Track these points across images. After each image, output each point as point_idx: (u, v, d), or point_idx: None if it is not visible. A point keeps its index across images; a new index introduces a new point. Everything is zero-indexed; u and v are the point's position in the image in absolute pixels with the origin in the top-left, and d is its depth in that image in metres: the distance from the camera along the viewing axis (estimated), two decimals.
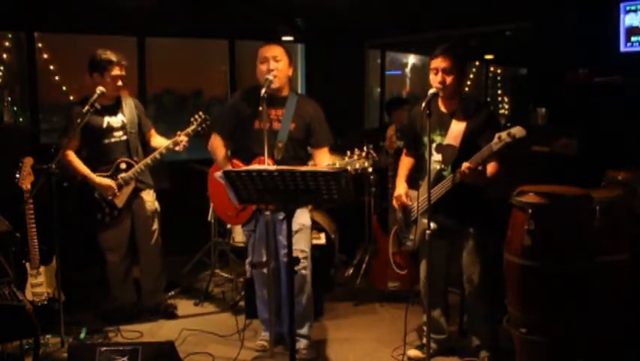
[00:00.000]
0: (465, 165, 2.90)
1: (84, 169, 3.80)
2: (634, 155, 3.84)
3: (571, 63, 4.73)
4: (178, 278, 4.75)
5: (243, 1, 5.51)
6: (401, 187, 3.37)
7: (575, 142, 4.49)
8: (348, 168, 2.75)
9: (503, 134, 2.77)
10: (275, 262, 3.44)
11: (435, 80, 3.08)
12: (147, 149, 4.06)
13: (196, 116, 3.82)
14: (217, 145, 3.49)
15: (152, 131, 4.10)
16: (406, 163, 3.48)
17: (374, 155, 2.82)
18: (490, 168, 3.02)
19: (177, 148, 3.80)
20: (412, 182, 3.41)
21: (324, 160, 3.33)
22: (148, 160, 3.86)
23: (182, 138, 3.79)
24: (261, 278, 3.54)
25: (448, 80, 3.06)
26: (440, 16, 5.64)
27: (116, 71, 3.78)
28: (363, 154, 2.79)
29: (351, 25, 5.93)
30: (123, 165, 3.88)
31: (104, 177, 3.82)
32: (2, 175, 3.77)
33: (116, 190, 3.82)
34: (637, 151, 3.91)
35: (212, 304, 4.39)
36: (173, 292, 4.49)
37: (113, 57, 3.78)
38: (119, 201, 3.86)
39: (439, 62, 3.07)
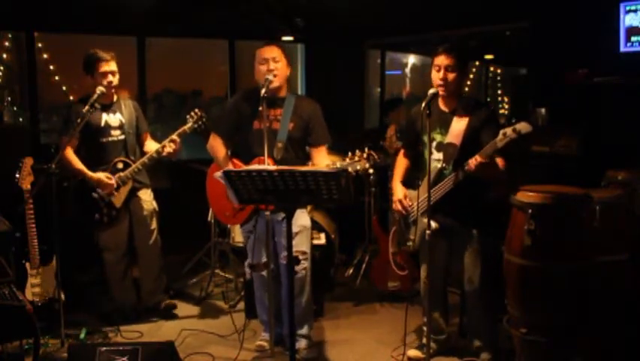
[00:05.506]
0: (476, 158, 2.88)
1: (81, 167, 3.80)
2: (634, 155, 3.84)
3: (571, 63, 4.73)
4: (174, 281, 4.73)
5: (243, 1, 5.51)
6: (399, 190, 3.35)
7: (575, 142, 4.49)
8: (349, 169, 2.74)
9: (508, 130, 2.76)
10: (274, 264, 3.44)
11: (437, 77, 3.09)
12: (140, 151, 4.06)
13: (192, 113, 3.82)
14: (217, 146, 3.48)
15: (147, 135, 4.09)
16: (402, 164, 3.47)
17: (375, 156, 2.81)
18: (500, 161, 3.02)
19: (164, 152, 3.79)
20: (411, 182, 3.41)
21: (322, 159, 3.33)
22: (145, 159, 3.85)
23: (167, 146, 3.77)
24: (260, 280, 3.54)
25: (450, 77, 3.06)
26: (440, 16, 5.65)
27: (104, 67, 3.75)
28: (364, 155, 2.79)
29: (351, 25, 5.94)
30: (120, 165, 3.87)
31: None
32: (2, 175, 3.76)
33: (114, 185, 3.81)
34: (637, 151, 3.91)
35: (212, 305, 4.39)
36: (172, 292, 4.49)
37: (99, 54, 3.76)
38: (117, 201, 3.86)
39: (442, 60, 3.07)
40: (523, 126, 2.73)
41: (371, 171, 2.78)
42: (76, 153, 3.86)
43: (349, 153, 2.83)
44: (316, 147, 3.41)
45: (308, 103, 3.45)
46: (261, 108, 3.15)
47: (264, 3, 5.58)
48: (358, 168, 2.76)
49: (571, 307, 2.92)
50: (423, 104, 2.88)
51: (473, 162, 2.90)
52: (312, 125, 3.38)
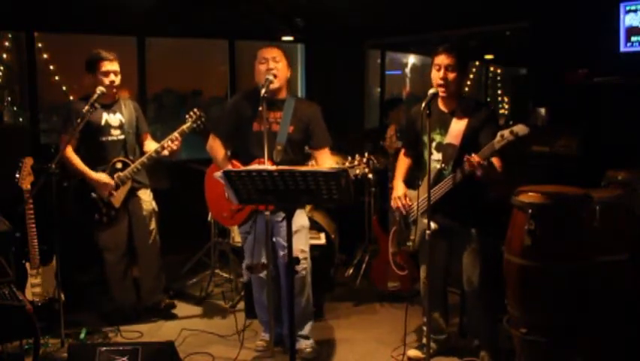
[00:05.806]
0: (475, 158, 2.85)
1: (82, 166, 3.80)
2: (634, 155, 3.84)
3: (571, 63, 4.73)
4: (174, 281, 4.73)
5: (243, 1, 5.51)
6: (399, 188, 3.37)
7: (575, 142, 4.49)
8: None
9: (506, 132, 2.77)
10: (273, 264, 3.43)
11: (437, 76, 3.08)
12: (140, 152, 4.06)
13: (191, 113, 3.83)
14: (216, 146, 3.48)
15: (147, 135, 4.10)
16: (403, 163, 3.48)
17: (374, 161, 2.82)
18: (496, 162, 3.01)
19: (164, 152, 3.79)
20: (411, 182, 3.41)
21: (326, 161, 3.35)
22: (144, 159, 3.85)
23: (167, 146, 3.78)
24: (258, 281, 3.54)
25: (451, 77, 3.06)
26: (440, 16, 5.64)
27: (107, 66, 3.77)
28: (364, 160, 2.80)
29: (351, 25, 5.94)
30: (119, 165, 3.87)
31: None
32: (2, 175, 3.76)
33: (113, 187, 3.81)
34: (637, 151, 3.91)
35: (212, 305, 4.39)
36: (172, 292, 4.49)
37: (102, 54, 3.78)
38: (116, 201, 3.86)
39: (442, 59, 3.07)
40: (520, 129, 2.73)
41: (370, 175, 2.80)
42: (76, 151, 3.86)
43: (349, 158, 2.83)
44: (318, 150, 3.41)
45: (308, 106, 3.45)
46: (260, 109, 3.14)
47: (264, 3, 5.58)
48: (357, 172, 2.77)
49: (571, 307, 2.92)
50: (423, 104, 2.88)
51: (473, 162, 2.89)
52: (313, 128, 3.38)
